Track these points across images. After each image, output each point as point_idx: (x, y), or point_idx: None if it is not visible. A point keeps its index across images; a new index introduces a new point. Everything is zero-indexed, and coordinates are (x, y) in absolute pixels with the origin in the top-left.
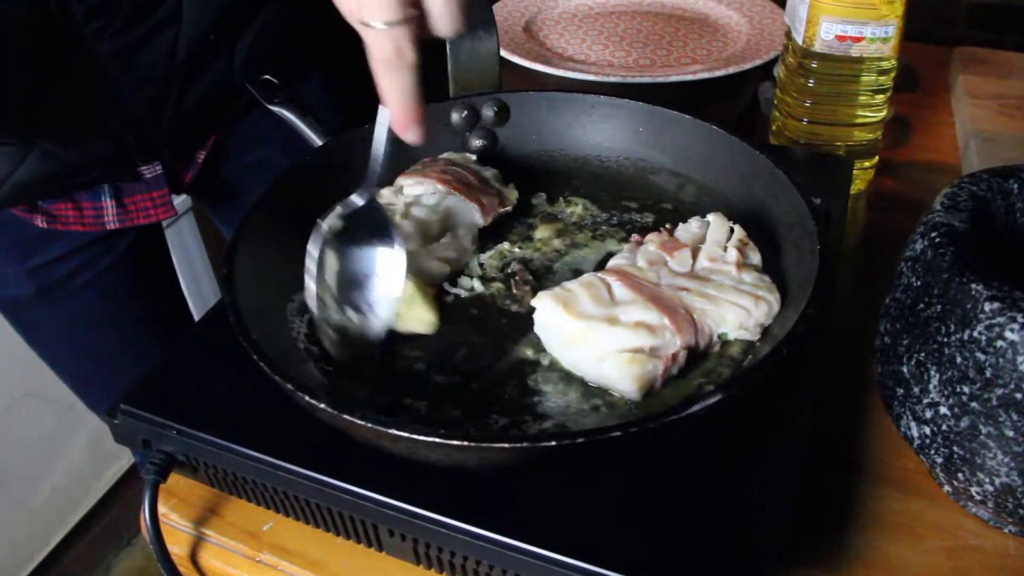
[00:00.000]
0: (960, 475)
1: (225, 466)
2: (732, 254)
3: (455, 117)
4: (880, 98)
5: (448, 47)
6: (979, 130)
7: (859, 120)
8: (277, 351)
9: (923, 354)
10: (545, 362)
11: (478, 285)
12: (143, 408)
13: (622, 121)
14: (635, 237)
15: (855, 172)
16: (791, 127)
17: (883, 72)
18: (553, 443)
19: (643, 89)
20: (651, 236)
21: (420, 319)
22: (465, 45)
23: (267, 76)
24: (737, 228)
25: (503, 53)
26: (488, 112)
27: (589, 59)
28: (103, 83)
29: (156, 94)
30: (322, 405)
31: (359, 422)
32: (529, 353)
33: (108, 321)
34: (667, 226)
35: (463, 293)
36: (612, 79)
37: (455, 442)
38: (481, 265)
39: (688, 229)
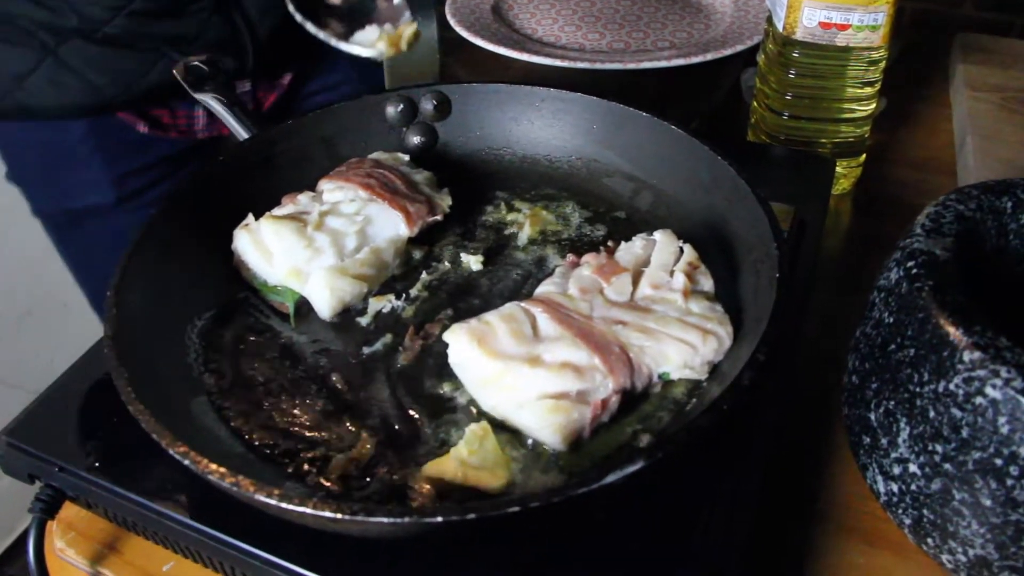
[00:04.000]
0: (930, 540)
1: (112, 509)
2: (679, 280)
3: (391, 111)
4: (868, 91)
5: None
6: (978, 126)
7: (845, 115)
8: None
9: (893, 402)
10: (463, 400)
11: (398, 306)
12: (25, 441)
13: (574, 117)
14: (571, 258)
15: (840, 171)
16: (770, 121)
17: (872, 63)
18: (439, 519)
19: (614, 77)
20: (588, 257)
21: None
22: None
23: (197, 63)
24: (687, 249)
25: (465, 35)
26: (427, 106)
27: (559, 41)
28: (237, 9)
29: (276, 22)
30: (196, 467)
31: (229, 486)
32: (446, 389)
33: None
34: (610, 243)
35: (383, 311)
36: (580, 65)
37: (326, 514)
38: (400, 284)
39: (631, 249)
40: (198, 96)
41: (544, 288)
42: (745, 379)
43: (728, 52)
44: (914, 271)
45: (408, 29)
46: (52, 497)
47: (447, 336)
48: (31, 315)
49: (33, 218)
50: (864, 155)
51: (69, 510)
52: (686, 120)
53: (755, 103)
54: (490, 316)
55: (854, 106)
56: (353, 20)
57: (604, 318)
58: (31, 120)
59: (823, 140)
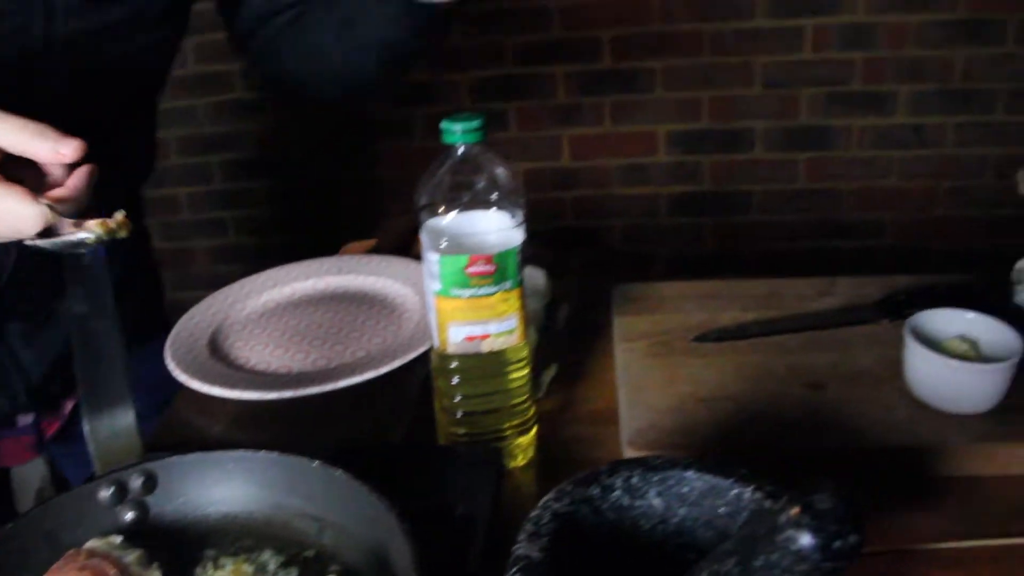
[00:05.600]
0: None
1: None
2: None
3: (103, 495)
4: (523, 378)
5: (86, 429)
6: (629, 376)
7: (511, 402)
8: None
9: None
10: None
11: None
12: None
13: (261, 471)
14: None
15: (520, 444)
16: (448, 422)
17: (519, 357)
18: None
19: (317, 398)
20: None
21: None
22: (103, 423)
23: None
24: None
25: (182, 378)
26: (135, 483)
27: (270, 367)
28: (8, 356)
29: (51, 365)
30: None
31: None
32: None
33: None
34: None
35: None
36: (286, 394)
37: None
38: None
39: None
40: None
41: None
42: None
43: (413, 355)
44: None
45: (119, 214)
46: None
47: None
48: None
49: None
50: (536, 427)
51: None
52: (387, 427)
53: (436, 404)
54: None
55: (515, 393)
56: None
57: None
58: None
59: (499, 426)
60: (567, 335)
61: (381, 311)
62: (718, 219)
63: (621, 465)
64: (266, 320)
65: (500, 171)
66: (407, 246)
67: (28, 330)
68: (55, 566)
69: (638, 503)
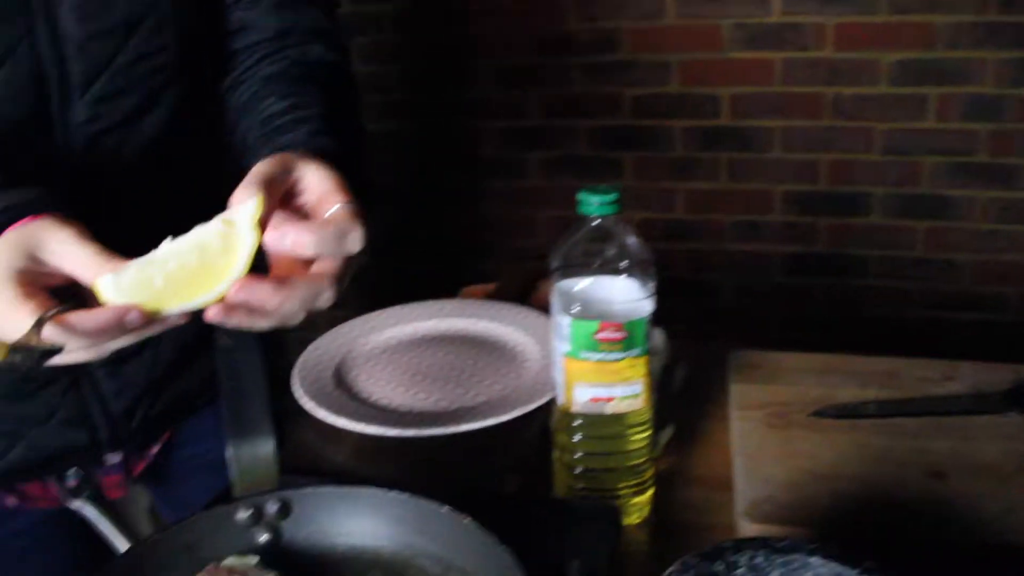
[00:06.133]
0: None
1: None
2: None
3: (240, 516)
4: (643, 440)
5: (229, 453)
6: (744, 444)
7: (627, 463)
8: None
9: None
10: None
11: None
12: None
13: (391, 509)
14: None
15: (636, 503)
16: (566, 476)
17: (641, 420)
18: None
19: (439, 439)
20: None
21: None
22: (245, 451)
23: (73, 469)
24: None
25: (308, 406)
26: (271, 509)
27: (392, 403)
28: (90, 386)
29: (135, 398)
30: None
31: None
32: None
33: None
34: None
35: None
36: (409, 432)
37: None
38: None
39: None
40: (73, 506)
41: None
42: None
43: (532, 407)
44: None
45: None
46: None
47: None
48: None
49: None
50: (652, 488)
51: None
52: (504, 474)
53: (554, 456)
54: None
55: (635, 454)
56: None
57: None
58: None
59: (616, 484)
60: (683, 397)
61: (501, 357)
62: (831, 281)
63: (746, 544)
64: (388, 356)
65: (632, 241)
66: (527, 293)
67: (114, 362)
68: None
69: None
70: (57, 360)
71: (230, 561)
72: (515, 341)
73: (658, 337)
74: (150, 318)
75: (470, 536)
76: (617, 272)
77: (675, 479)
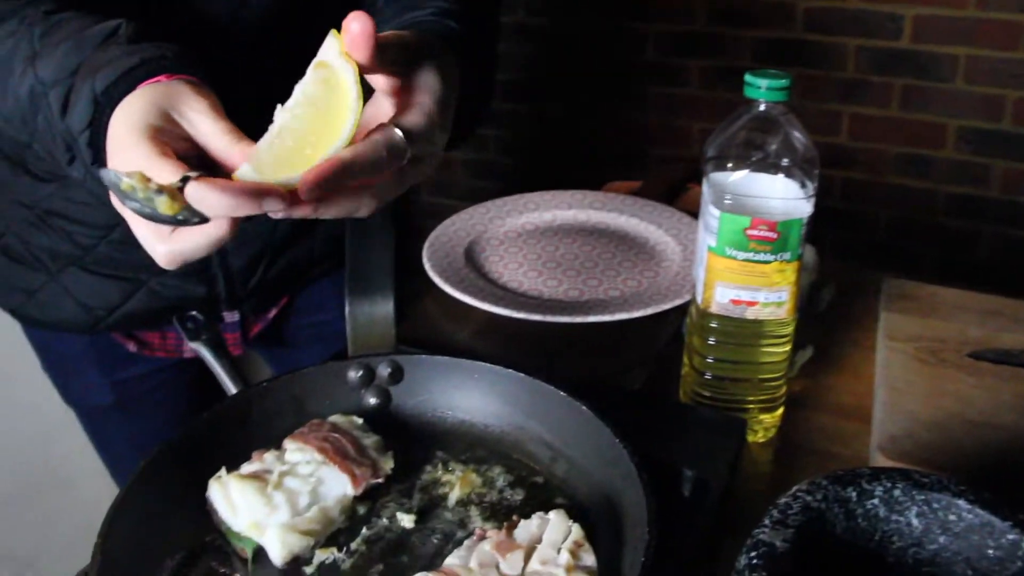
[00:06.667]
0: None
1: None
2: (563, 557)
3: (351, 375)
4: (781, 355)
5: (347, 310)
6: (890, 376)
7: (762, 376)
8: None
9: None
10: None
11: (339, 558)
12: None
13: (505, 388)
14: (478, 531)
15: (763, 421)
16: (695, 381)
17: (781, 333)
18: None
19: (566, 329)
20: (490, 533)
21: None
22: (364, 309)
23: (193, 313)
24: (575, 528)
25: (437, 281)
26: (383, 371)
27: (521, 287)
28: None
29: (253, 257)
30: None
31: None
32: None
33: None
34: (514, 518)
35: (326, 562)
36: (534, 317)
37: None
38: (343, 536)
39: (528, 528)
40: (192, 345)
41: (450, 560)
42: None
43: (668, 306)
44: (754, 561)
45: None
46: None
47: None
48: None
49: None
50: (782, 407)
51: None
52: (629, 371)
53: (684, 360)
54: None
55: (769, 367)
56: None
57: None
58: (40, 329)
59: (744, 397)
60: (827, 319)
61: (640, 254)
62: (1000, 229)
63: (885, 473)
64: (523, 241)
65: (799, 136)
66: (674, 195)
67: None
68: (299, 431)
69: (895, 518)
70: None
71: (335, 418)
72: (656, 240)
73: (809, 253)
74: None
75: (585, 425)
76: (776, 169)
77: (808, 402)
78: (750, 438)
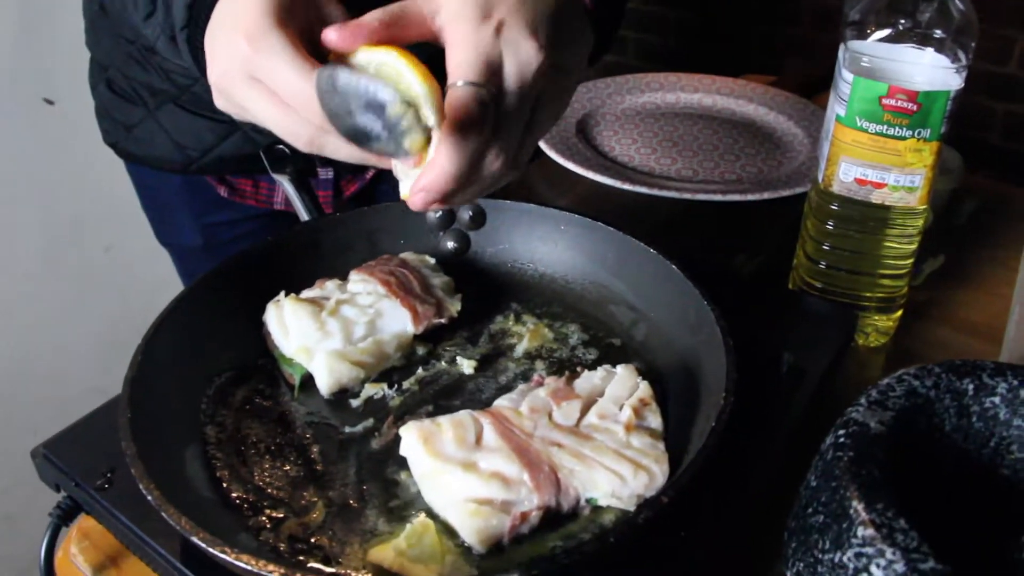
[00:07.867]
0: None
1: (111, 527)
2: (625, 413)
3: (431, 216)
4: (907, 250)
5: None
6: None
7: (881, 271)
8: (161, 437)
9: (802, 564)
10: (414, 491)
11: (388, 395)
12: (55, 455)
13: (592, 244)
14: (536, 377)
15: (877, 323)
16: (807, 269)
17: (910, 224)
18: None
19: (673, 203)
20: (548, 380)
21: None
22: None
23: (280, 146)
24: (643, 386)
25: (543, 147)
26: (464, 215)
27: (632, 162)
28: None
29: None
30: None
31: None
32: (403, 477)
33: None
34: (578, 369)
35: (374, 397)
36: (639, 189)
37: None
38: (396, 375)
39: (591, 379)
40: (275, 176)
41: (500, 402)
42: (640, 517)
43: (785, 193)
44: (841, 440)
45: None
46: (69, 507)
47: (402, 430)
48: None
49: None
50: (900, 311)
51: (89, 521)
52: (737, 255)
53: (798, 248)
54: (443, 419)
55: (891, 263)
56: None
57: (544, 438)
58: (138, 165)
59: (858, 292)
60: (965, 230)
61: (764, 143)
62: None
63: (1012, 370)
64: (641, 119)
65: (958, 3)
66: (809, 94)
67: None
68: (367, 264)
69: (1018, 423)
70: None
71: (406, 255)
72: (785, 130)
73: (953, 156)
74: None
75: (674, 287)
76: (927, 42)
77: (931, 313)
78: (860, 340)
